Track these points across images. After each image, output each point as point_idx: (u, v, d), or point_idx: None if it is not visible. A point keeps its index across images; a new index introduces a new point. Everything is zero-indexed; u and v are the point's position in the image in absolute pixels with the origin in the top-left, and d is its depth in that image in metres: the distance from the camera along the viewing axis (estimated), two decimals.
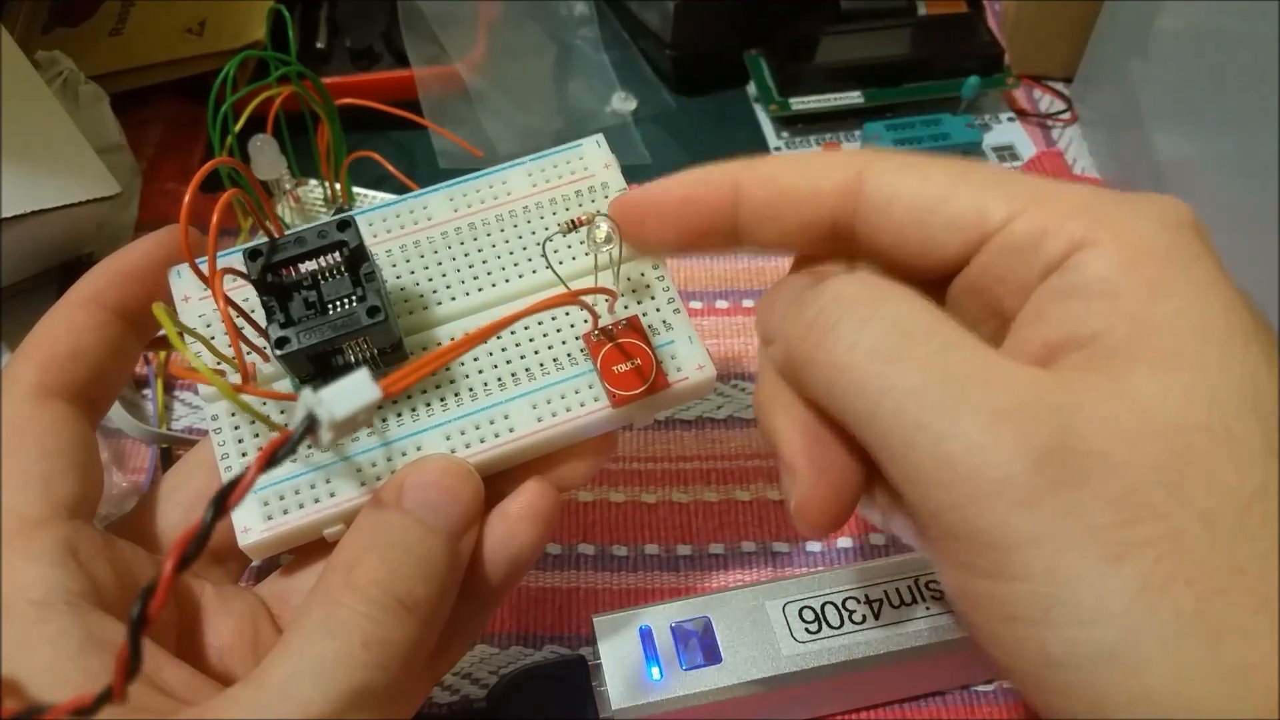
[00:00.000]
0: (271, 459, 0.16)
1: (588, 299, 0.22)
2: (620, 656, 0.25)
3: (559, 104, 0.44)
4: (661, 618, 0.26)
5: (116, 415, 0.32)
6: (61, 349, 0.21)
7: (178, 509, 0.22)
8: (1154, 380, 0.15)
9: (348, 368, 0.21)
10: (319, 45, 0.44)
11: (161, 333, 0.22)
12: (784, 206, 0.20)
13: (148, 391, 0.34)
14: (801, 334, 0.18)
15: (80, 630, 0.17)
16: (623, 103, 0.44)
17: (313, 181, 0.38)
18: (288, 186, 0.36)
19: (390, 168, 0.34)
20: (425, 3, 0.43)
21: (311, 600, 0.18)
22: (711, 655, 0.25)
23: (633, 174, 0.43)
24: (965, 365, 0.16)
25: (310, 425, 0.17)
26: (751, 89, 0.45)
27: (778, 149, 0.43)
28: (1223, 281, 0.16)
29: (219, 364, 0.21)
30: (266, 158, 0.34)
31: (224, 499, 0.15)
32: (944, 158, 0.18)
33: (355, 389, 0.17)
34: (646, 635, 0.25)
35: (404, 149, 0.42)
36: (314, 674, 0.17)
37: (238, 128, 0.31)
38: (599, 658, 0.25)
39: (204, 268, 0.21)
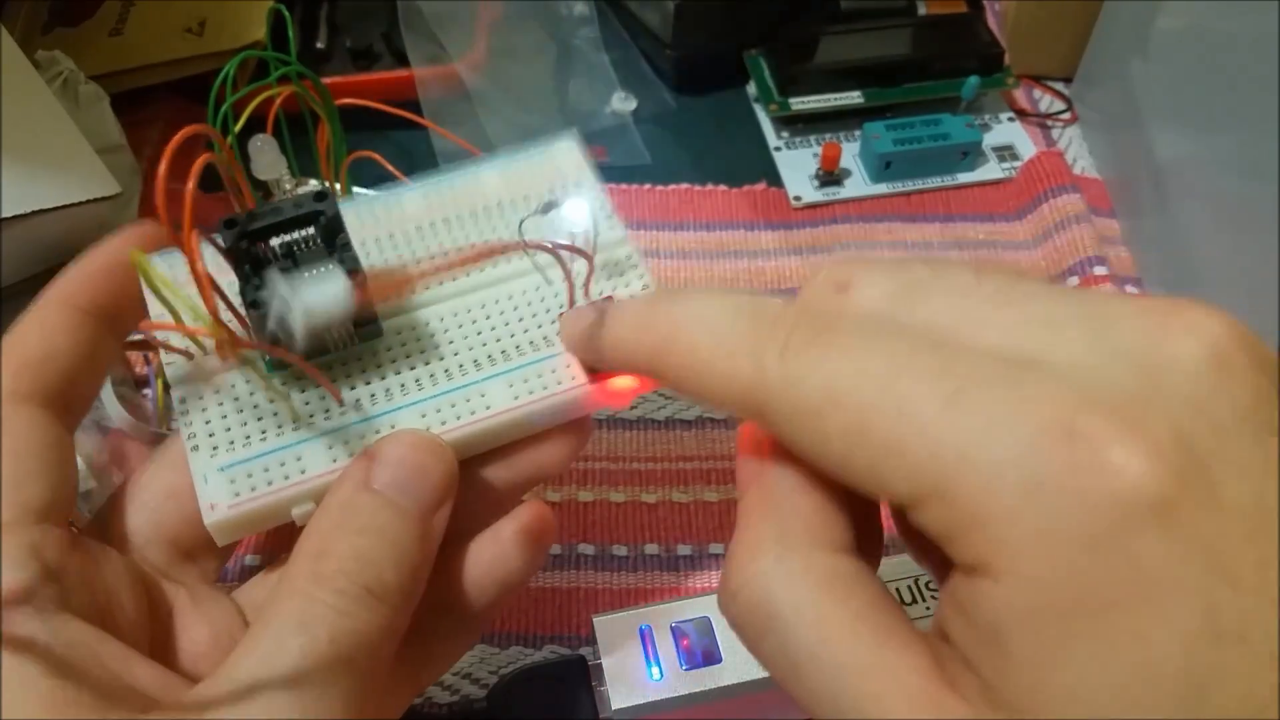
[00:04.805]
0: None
1: (565, 259, 0.22)
2: (620, 656, 0.25)
3: (559, 104, 0.44)
4: (661, 618, 0.26)
5: (116, 415, 0.32)
6: (34, 353, 0.20)
7: (145, 509, 0.22)
8: None
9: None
10: (319, 45, 0.44)
11: (137, 336, 0.22)
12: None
13: (148, 391, 0.34)
14: (726, 603, 0.17)
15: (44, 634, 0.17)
16: (623, 103, 0.44)
17: (313, 182, 0.38)
18: (288, 187, 0.36)
19: (390, 168, 0.34)
20: (425, 3, 0.43)
21: (278, 591, 0.18)
22: (711, 655, 0.25)
23: (633, 174, 0.43)
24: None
25: (283, 312, 0.16)
26: (751, 89, 0.45)
27: (777, 149, 0.43)
28: (1164, 627, 0.12)
29: (188, 346, 0.21)
30: (266, 158, 0.34)
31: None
32: (869, 355, 0.15)
33: (329, 283, 0.17)
34: (646, 635, 0.25)
35: (404, 149, 0.42)
36: (279, 671, 0.16)
37: (238, 128, 0.31)
38: (599, 658, 0.25)
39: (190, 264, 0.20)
